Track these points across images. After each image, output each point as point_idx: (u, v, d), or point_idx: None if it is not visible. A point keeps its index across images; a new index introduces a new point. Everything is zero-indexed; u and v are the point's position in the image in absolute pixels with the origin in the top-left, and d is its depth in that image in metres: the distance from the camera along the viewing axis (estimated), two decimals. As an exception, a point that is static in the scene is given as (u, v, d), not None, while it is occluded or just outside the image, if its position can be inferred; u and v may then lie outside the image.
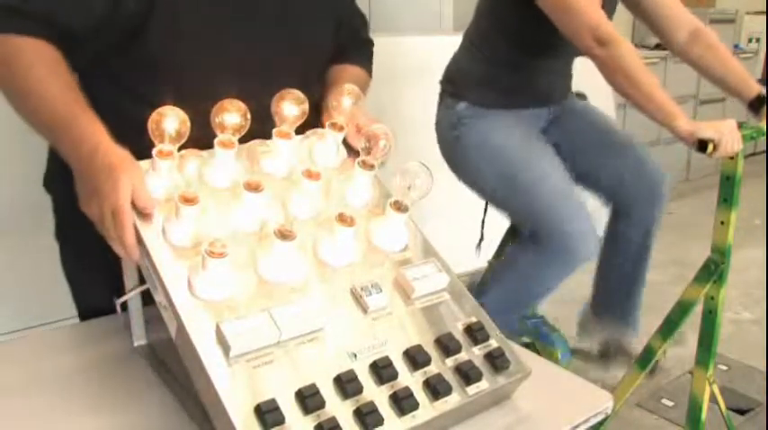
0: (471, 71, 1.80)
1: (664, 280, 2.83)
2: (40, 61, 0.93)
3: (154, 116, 0.83)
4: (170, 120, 0.84)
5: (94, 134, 0.86)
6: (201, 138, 0.87)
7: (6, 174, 1.83)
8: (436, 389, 0.80)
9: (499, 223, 2.01)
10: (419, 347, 0.83)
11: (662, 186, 1.81)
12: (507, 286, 1.79)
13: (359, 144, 0.95)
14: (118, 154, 0.84)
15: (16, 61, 0.93)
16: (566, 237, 1.63)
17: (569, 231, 1.63)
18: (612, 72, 1.52)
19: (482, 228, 2.06)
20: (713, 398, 1.70)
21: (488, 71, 1.77)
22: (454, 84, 1.82)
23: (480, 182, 1.80)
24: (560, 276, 1.72)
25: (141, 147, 0.85)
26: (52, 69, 0.93)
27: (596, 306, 1.95)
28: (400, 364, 0.81)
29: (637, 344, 1.86)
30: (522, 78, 1.77)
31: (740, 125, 1.50)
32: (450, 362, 0.85)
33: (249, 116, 0.88)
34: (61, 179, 0.96)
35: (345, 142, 1.02)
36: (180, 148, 0.85)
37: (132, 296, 0.94)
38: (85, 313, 1.16)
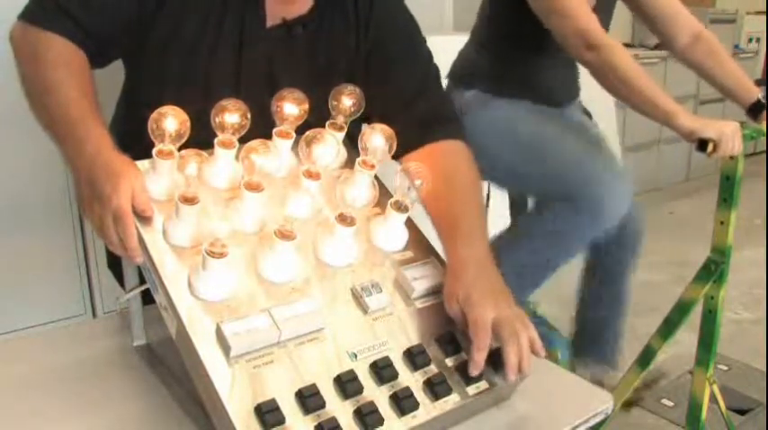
0: (477, 65, 1.80)
1: (664, 280, 2.83)
2: (65, 63, 0.95)
3: (154, 116, 0.83)
4: (170, 121, 0.84)
5: (99, 138, 0.87)
6: (201, 137, 0.87)
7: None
8: (436, 389, 0.80)
9: (498, 222, 2.00)
10: (419, 347, 0.83)
11: (640, 238, 1.76)
12: (524, 256, 1.71)
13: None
14: (119, 158, 0.84)
15: (43, 58, 0.95)
16: (596, 197, 1.53)
17: (599, 192, 1.53)
18: (604, 76, 1.50)
19: None
20: (713, 398, 1.70)
21: (493, 66, 1.76)
22: (462, 76, 1.81)
23: (495, 163, 1.68)
24: (591, 235, 1.61)
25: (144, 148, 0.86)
26: (74, 73, 0.95)
27: (575, 347, 1.92)
28: (400, 364, 0.81)
29: (612, 378, 1.84)
30: (525, 74, 1.76)
31: (741, 124, 1.50)
32: (450, 362, 0.85)
33: (249, 116, 0.88)
34: None
35: (345, 142, 1.01)
36: (180, 148, 0.85)
37: (132, 296, 0.94)
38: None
